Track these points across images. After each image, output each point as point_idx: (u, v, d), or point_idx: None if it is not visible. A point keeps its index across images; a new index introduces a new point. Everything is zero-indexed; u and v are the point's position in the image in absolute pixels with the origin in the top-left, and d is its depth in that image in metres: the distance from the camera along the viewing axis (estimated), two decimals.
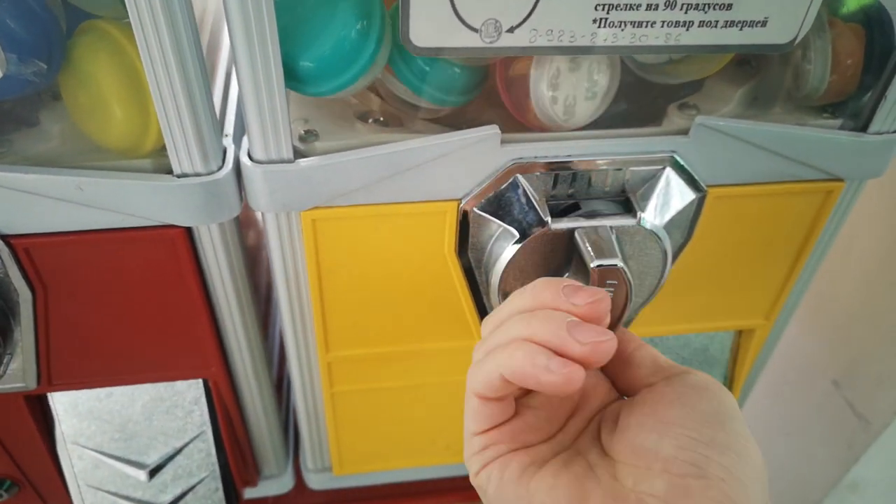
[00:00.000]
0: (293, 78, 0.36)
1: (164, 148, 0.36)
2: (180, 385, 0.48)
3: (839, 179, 0.43)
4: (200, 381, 0.48)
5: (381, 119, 0.43)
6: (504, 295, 0.43)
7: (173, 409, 0.49)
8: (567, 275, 0.42)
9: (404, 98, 0.38)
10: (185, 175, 0.36)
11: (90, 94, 0.35)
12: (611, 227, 0.39)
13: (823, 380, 0.71)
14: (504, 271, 0.42)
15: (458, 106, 0.40)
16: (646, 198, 0.41)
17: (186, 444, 0.50)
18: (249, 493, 0.57)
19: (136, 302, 0.42)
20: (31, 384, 0.44)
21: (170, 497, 0.51)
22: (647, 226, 0.41)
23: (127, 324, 0.43)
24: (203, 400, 0.49)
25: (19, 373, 0.44)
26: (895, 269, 0.64)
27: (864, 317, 0.68)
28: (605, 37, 0.35)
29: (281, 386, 0.61)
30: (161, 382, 0.47)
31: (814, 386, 0.73)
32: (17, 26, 0.32)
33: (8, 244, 0.37)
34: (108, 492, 0.51)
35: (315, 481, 0.58)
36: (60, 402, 0.48)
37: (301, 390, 0.50)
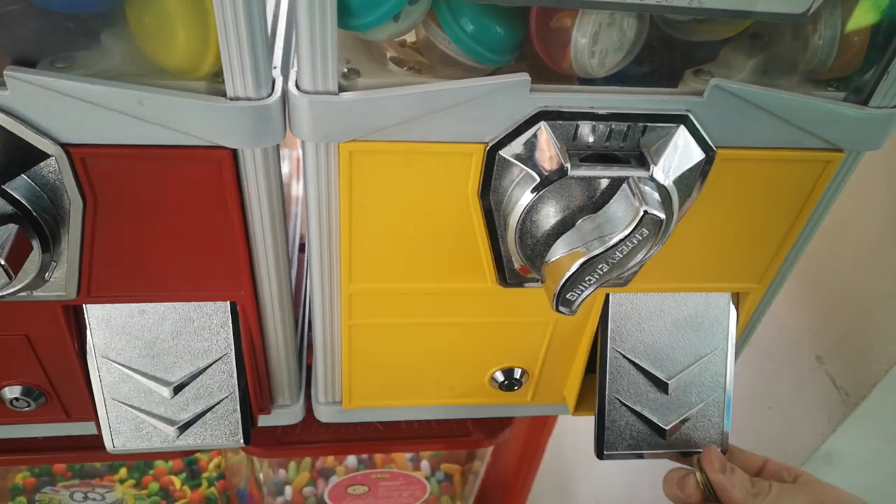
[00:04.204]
0: (342, 11, 0.38)
1: (219, 72, 0.38)
2: (209, 307, 0.51)
3: (839, 150, 0.46)
4: (228, 304, 0.51)
5: (415, 67, 0.46)
6: (520, 239, 0.46)
7: (201, 330, 0.52)
8: (581, 221, 0.45)
9: (447, 52, 0.41)
10: (237, 98, 0.39)
11: (156, 15, 0.38)
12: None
13: (808, 355, 0.75)
14: (522, 215, 0.45)
15: (496, 65, 0.42)
16: (658, 153, 0.44)
17: (210, 365, 0.53)
18: (261, 421, 0.60)
19: (177, 220, 0.45)
20: (70, 294, 0.47)
21: (189, 415, 0.54)
22: (659, 180, 0.44)
23: (166, 241, 0.46)
24: (229, 323, 0.52)
25: (61, 282, 0.46)
26: (883, 253, 0.67)
27: (851, 298, 0.71)
28: None
29: (296, 325, 0.64)
30: (192, 302, 0.51)
31: (798, 361, 0.76)
32: None
33: (67, 152, 0.40)
34: (131, 406, 0.54)
35: (324, 414, 0.61)
36: (94, 316, 0.51)
37: (321, 320, 0.53)
